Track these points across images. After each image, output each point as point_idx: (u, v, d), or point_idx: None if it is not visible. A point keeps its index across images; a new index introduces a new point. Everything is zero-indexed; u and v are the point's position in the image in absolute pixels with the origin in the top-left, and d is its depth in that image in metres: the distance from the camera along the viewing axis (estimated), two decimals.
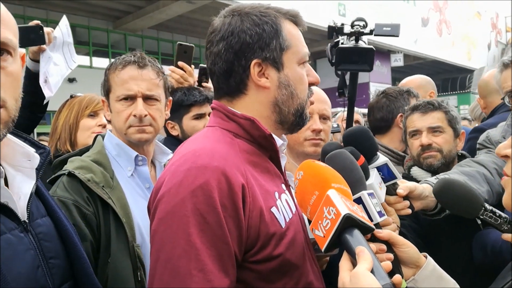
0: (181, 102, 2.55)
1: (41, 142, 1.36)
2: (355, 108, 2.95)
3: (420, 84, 3.56)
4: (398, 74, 24.74)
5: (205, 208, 1.08)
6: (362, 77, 23.23)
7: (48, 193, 1.36)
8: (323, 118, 2.06)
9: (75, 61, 2.65)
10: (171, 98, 2.03)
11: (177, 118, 2.60)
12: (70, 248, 1.29)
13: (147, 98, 1.83)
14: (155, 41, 18.65)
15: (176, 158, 1.22)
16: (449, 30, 27.05)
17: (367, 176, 1.42)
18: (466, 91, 19.07)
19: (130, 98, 1.82)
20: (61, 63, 2.50)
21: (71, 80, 15.63)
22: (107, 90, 1.89)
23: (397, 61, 23.62)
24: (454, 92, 20.49)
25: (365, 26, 2.46)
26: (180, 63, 2.64)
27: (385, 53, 23.51)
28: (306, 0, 15.10)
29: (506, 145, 0.99)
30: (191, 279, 1.04)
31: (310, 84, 1.37)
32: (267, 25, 1.26)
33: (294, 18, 1.34)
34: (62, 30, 2.50)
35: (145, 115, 1.81)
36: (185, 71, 2.65)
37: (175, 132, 2.64)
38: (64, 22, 2.54)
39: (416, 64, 27.29)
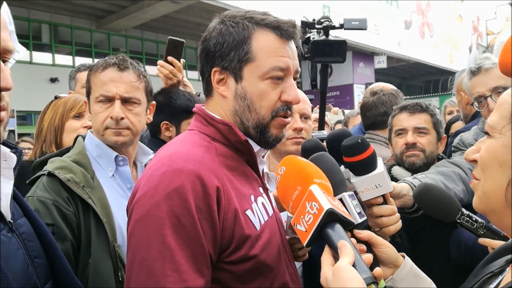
0: (186, 108, 2.52)
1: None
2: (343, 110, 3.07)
3: None
4: (381, 75, 25.00)
5: (180, 210, 1.10)
6: (346, 79, 23.47)
7: (20, 194, 1.36)
8: (304, 117, 2.09)
9: (18, 51, 2.58)
10: (154, 102, 2.03)
11: (175, 121, 2.58)
12: (49, 248, 1.30)
13: (126, 101, 1.83)
14: (139, 41, 18.53)
15: (153, 162, 1.25)
16: (432, 32, 27.46)
17: (375, 165, 1.44)
18: (448, 92, 19.38)
19: (108, 100, 1.82)
20: None
21: (53, 80, 15.45)
22: (88, 92, 1.89)
23: (381, 63, 23.89)
24: (436, 94, 20.78)
25: (330, 22, 2.61)
26: (169, 58, 2.59)
27: (369, 55, 23.76)
28: (291, 0, 15.18)
29: (474, 150, 1.02)
30: (166, 279, 1.06)
31: (285, 102, 1.31)
32: (229, 36, 1.27)
33: (276, 30, 1.28)
34: (4, 19, 2.44)
35: (122, 118, 1.80)
36: (174, 67, 2.62)
37: (168, 133, 2.61)
38: (5, 9, 2.48)
39: (399, 66, 27.62)
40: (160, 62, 2.61)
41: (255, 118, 1.30)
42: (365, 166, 1.42)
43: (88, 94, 1.89)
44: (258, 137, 1.32)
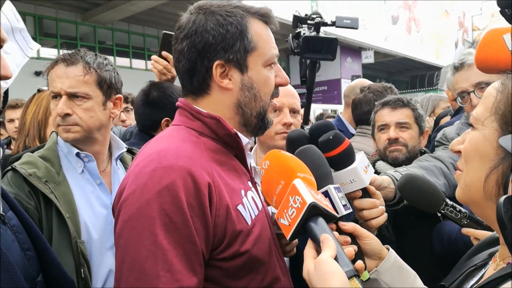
0: None
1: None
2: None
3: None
4: (368, 70, 25.15)
5: (171, 208, 1.08)
6: (334, 73, 23.51)
7: (3, 188, 1.35)
8: (293, 112, 2.09)
9: (32, 48, 2.54)
10: (120, 95, 1.96)
11: None
12: (36, 241, 1.28)
13: (73, 96, 1.80)
14: (126, 34, 18.32)
15: (140, 159, 1.21)
16: (418, 28, 27.64)
17: (352, 159, 1.46)
18: (433, 87, 19.58)
19: (58, 97, 1.81)
20: (15, 51, 2.41)
21: (37, 73, 15.20)
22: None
23: (368, 58, 24.01)
24: (422, 89, 20.95)
25: (322, 18, 2.62)
26: (164, 53, 2.55)
27: (356, 50, 23.85)
28: None
29: (459, 142, 1.04)
30: (159, 279, 1.04)
31: (278, 85, 1.36)
32: (231, 26, 1.24)
33: (264, 18, 1.31)
34: (8, 16, 2.39)
35: (66, 114, 1.78)
36: (168, 62, 2.59)
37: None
38: (8, 7, 2.42)
39: (386, 61, 27.79)
40: (154, 57, 2.58)
41: (259, 105, 1.31)
42: (340, 161, 1.44)
43: None
44: (259, 124, 1.34)
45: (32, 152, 1.86)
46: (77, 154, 1.84)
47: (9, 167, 1.74)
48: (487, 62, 1.04)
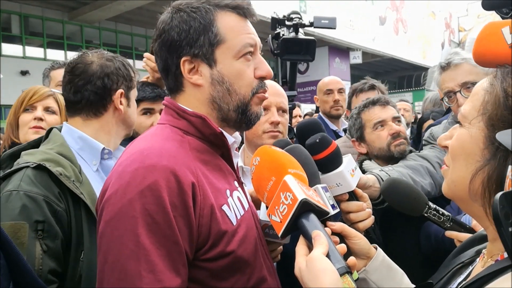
0: None
1: None
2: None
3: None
4: (357, 71, 25.29)
5: (154, 208, 1.06)
6: (322, 74, 23.63)
7: None
8: (281, 111, 2.08)
9: None
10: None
11: None
12: (5, 247, 1.19)
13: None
14: (113, 34, 18.19)
15: (123, 158, 1.19)
16: (405, 29, 27.88)
17: (339, 162, 1.45)
18: (421, 88, 19.77)
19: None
20: None
21: (23, 72, 15.04)
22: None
23: (356, 58, 24.17)
24: (409, 89, 21.13)
25: (300, 19, 2.63)
26: None
27: (345, 51, 23.99)
28: None
29: (447, 137, 1.05)
30: (141, 280, 1.03)
31: (261, 78, 1.31)
32: (194, 21, 1.24)
33: (237, 10, 1.28)
34: None
35: None
36: None
37: None
38: None
39: (374, 61, 27.99)
40: (146, 54, 2.55)
41: (236, 99, 1.27)
42: (326, 165, 1.44)
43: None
44: (240, 118, 1.30)
45: (24, 149, 1.75)
46: (102, 149, 1.77)
47: (26, 164, 1.58)
48: (485, 56, 1.02)
